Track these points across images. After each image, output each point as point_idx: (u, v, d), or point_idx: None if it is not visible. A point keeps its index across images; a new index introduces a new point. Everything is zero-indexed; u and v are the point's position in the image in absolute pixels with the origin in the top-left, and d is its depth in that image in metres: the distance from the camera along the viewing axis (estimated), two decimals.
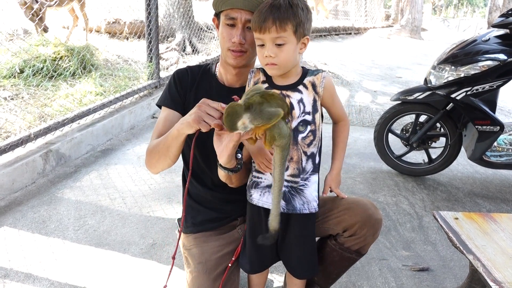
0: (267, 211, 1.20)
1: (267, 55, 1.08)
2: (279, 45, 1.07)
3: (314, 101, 1.14)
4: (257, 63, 1.23)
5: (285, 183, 1.15)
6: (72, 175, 2.62)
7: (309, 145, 1.15)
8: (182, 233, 1.46)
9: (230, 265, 1.31)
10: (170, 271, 1.31)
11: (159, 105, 1.34)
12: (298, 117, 1.13)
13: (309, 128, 1.14)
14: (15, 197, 2.32)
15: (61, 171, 2.66)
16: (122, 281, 1.69)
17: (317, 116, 1.14)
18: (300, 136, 1.14)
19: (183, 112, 1.27)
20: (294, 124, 1.14)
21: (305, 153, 1.15)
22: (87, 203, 2.29)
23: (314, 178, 1.19)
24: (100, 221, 2.12)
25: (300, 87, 1.14)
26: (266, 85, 1.17)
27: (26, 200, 2.29)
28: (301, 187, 1.17)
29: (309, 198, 1.18)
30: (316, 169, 1.18)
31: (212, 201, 1.38)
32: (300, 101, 1.13)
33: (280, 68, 1.11)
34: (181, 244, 1.48)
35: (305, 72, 1.18)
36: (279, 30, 1.05)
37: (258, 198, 1.20)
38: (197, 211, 1.40)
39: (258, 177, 1.20)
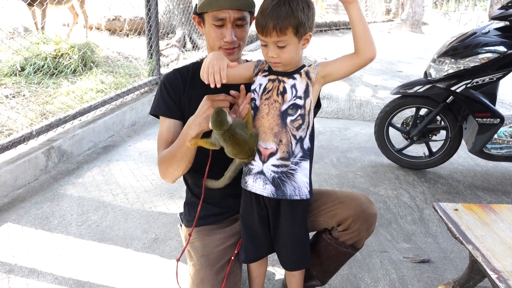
0: (257, 197, 1.23)
1: (270, 56, 1.13)
2: (281, 46, 1.11)
3: (307, 86, 1.16)
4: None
5: (275, 169, 1.17)
6: (74, 171, 2.64)
7: (297, 128, 1.16)
8: (184, 227, 1.47)
9: (233, 258, 1.33)
10: (184, 248, 1.35)
11: (154, 115, 1.36)
12: (289, 100, 1.16)
13: (299, 112, 1.16)
14: (18, 194, 2.34)
15: (63, 168, 2.68)
16: (125, 275, 1.70)
17: (308, 101, 1.16)
18: (289, 118, 1.16)
19: (182, 117, 1.30)
20: (284, 107, 1.16)
21: (294, 136, 1.17)
22: (90, 199, 2.30)
23: (305, 164, 1.20)
24: (102, 216, 2.13)
25: (295, 75, 1.18)
26: (266, 72, 1.21)
27: (29, 196, 2.31)
28: (291, 171, 1.18)
29: (300, 184, 1.19)
30: (306, 155, 1.19)
31: (213, 197, 1.39)
32: (293, 86, 1.16)
33: (284, 65, 1.16)
34: (184, 238, 1.49)
35: (303, 66, 1.21)
36: (280, 34, 1.08)
37: (252, 184, 1.21)
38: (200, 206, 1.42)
39: (251, 164, 1.22)
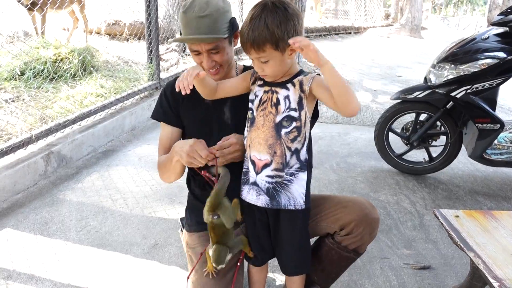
0: (258, 206, 1.24)
1: (256, 70, 1.17)
2: (264, 61, 1.12)
3: (300, 98, 1.17)
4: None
5: (269, 179, 1.18)
6: (73, 176, 2.63)
7: (293, 140, 1.17)
8: (186, 232, 1.47)
9: (239, 264, 1.34)
10: (193, 268, 1.34)
11: (155, 119, 1.44)
12: (283, 112, 1.17)
13: (294, 124, 1.17)
14: (17, 199, 2.33)
15: (62, 173, 2.67)
16: (124, 281, 1.69)
17: (303, 113, 1.17)
18: (284, 130, 1.17)
19: (181, 124, 1.39)
20: (278, 118, 1.17)
21: (288, 148, 1.17)
22: (89, 204, 2.30)
23: (302, 175, 1.20)
24: (102, 222, 2.12)
25: (288, 85, 1.18)
26: (261, 81, 1.22)
27: (28, 201, 2.30)
28: (286, 182, 1.19)
29: (295, 195, 1.20)
30: (304, 166, 1.20)
31: None
32: (286, 97, 1.17)
33: (271, 77, 1.17)
34: (184, 244, 1.49)
35: (299, 73, 1.20)
36: (258, 51, 1.10)
37: (245, 195, 1.24)
38: (201, 209, 1.42)
39: (245, 175, 1.24)
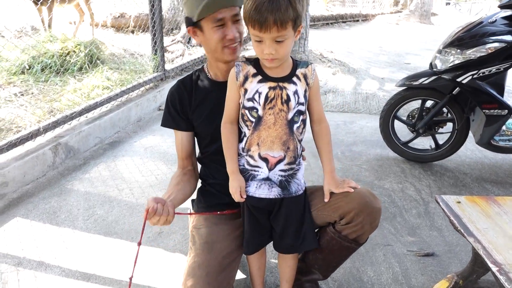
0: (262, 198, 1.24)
1: (268, 52, 1.07)
2: (279, 41, 1.06)
3: (305, 91, 1.18)
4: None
5: (282, 173, 1.20)
6: (81, 167, 2.68)
7: (301, 133, 1.22)
8: (193, 212, 1.51)
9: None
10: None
11: (165, 127, 1.44)
12: (293, 108, 1.17)
13: (301, 117, 1.19)
14: (27, 189, 2.38)
15: (70, 164, 2.72)
16: (130, 268, 1.72)
17: (306, 104, 1.21)
18: (295, 126, 1.19)
19: (191, 127, 1.39)
20: (290, 115, 1.17)
21: (299, 141, 1.21)
22: (96, 194, 2.34)
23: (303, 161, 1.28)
24: (108, 211, 2.16)
25: (294, 79, 1.17)
26: (259, 77, 1.17)
27: (37, 192, 2.36)
28: (296, 172, 1.24)
29: (300, 179, 1.25)
30: (301, 151, 1.27)
31: (226, 187, 1.42)
32: (295, 92, 1.17)
33: (280, 60, 1.12)
34: (190, 224, 1.51)
35: (295, 63, 1.20)
36: (280, 29, 1.03)
37: (254, 190, 1.23)
38: (212, 194, 1.46)
39: (255, 170, 1.22)
